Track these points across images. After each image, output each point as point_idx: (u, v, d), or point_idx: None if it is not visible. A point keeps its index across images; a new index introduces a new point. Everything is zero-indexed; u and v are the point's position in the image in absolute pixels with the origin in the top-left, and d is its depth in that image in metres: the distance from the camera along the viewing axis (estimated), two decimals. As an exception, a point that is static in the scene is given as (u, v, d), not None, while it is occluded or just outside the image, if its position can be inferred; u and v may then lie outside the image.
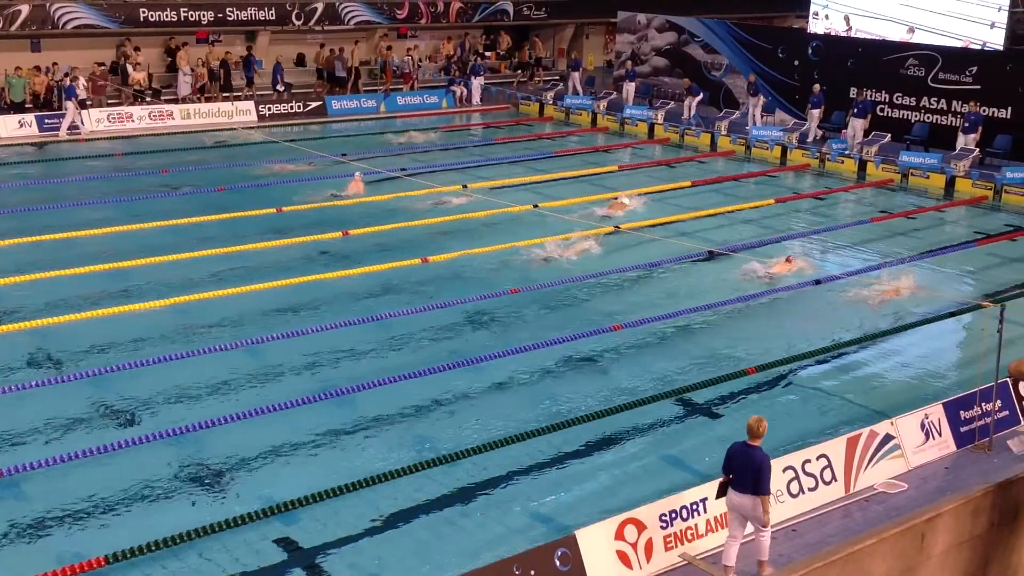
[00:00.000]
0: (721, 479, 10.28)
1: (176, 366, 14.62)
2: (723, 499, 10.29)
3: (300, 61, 38.37)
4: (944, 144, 29.35)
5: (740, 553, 10.06)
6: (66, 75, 31.50)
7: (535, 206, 23.51)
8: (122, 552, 10.06)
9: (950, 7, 31.85)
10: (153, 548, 10.20)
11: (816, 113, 31.79)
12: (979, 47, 31.08)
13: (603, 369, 15.37)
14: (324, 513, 11.13)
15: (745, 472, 9.96)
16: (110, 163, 27.75)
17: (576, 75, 38.49)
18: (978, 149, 28.42)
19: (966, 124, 28.82)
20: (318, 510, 11.15)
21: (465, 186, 25.22)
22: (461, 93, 38.16)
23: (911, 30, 33.00)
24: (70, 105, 30.53)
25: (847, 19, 34.76)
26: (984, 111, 29.15)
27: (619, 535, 10.01)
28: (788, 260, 19.99)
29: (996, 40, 30.99)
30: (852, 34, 34.34)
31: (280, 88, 36.02)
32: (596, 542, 9.84)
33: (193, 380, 14.28)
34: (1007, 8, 30.71)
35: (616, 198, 24.16)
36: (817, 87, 32.11)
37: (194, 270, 18.74)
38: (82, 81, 31.20)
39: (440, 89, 38.38)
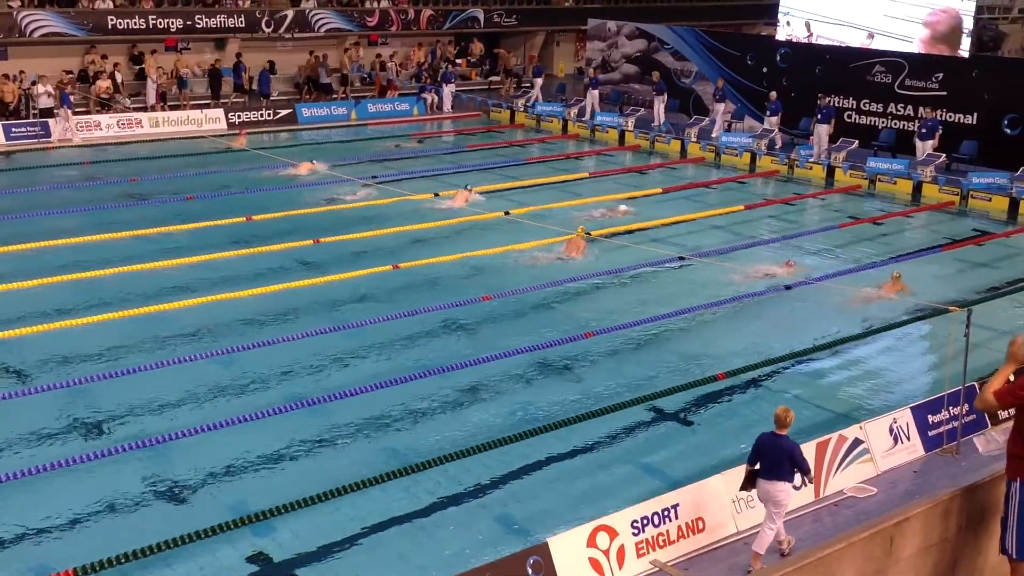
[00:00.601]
0: (747, 469, 10.60)
1: (146, 377, 14.52)
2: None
3: (271, 69, 38.21)
4: (911, 150, 29.58)
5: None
6: (61, 82, 31.74)
7: (506, 213, 23.54)
8: (91, 565, 9.97)
9: (910, 12, 32.19)
10: (123, 560, 10.12)
11: (774, 120, 32.07)
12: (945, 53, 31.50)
13: (575, 376, 15.40)
14: (296, 523, 11.08)
15: (777, 460, 10.34)
16: (78, 172, 27.55)
17: (538, 81, 38.66)
18: (944, 156, 28.71)
19: (923, 131, 29.07)
20: (290, 520, 11.10)
21: (437, 194, 25.22)
22: (432, 100, 38.16)
23: (871, 35, 33.33)
24: (63, 112, 30.64)
25: (808, 25, 35.11)
26: (940, 117, 29.53)
27: (591, 542, 10.03)
28: (788, 264, 20.25)
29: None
30: (813, 40, 34.66)
31: (270, 94, 36.12)
32: (568, 549, 9.85)
33: (163, 391, 14.18)
34: (972, 15, 31.10)
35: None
36: (774, 94, 32.42)
37: (163, 280, 18.64)
38: (49, 88, 31.03)
39: (411, 96, 38.38)
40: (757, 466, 10.50)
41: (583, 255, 20.78)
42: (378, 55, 39.90)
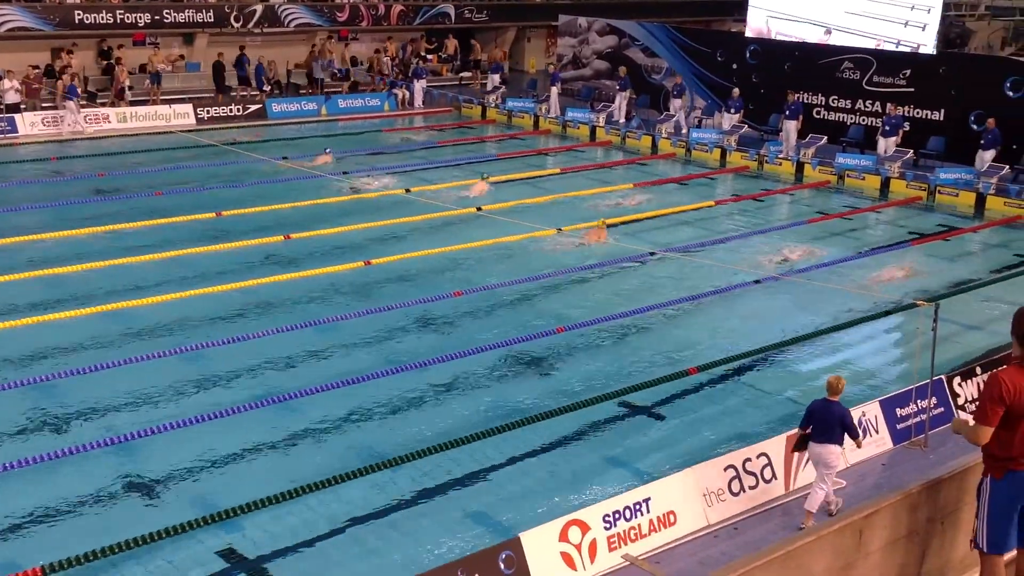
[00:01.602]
0: (799, 432, 11.38)
1: (115, 373, 14.38)
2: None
3: (226, 65, 37.98)
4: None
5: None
6: (68, 75, 31.72)
7: (478, 209, 23.53)
8: (59, 563, 9.87)
9: (866, 8, 32.45)
10: (92, 558, 10.01)
11: (736, 117, 32.24)
12: (911, 49, 31.71)
13: (547, 371, 15.43)
14: (268, 520, 11.04)
15: (827, 425, 11.12)
16: (45, 167, 27.29)
17: (495, 77, 38.68)
18: (912, 151, 28.94)
19: (886, 128, 29.31)
20: (262, 517, 11.04)
21: (408, 190, 25.15)
22: (403, 96, 38.07)
23: (828, 32, 33.58)
24: (71, 104, 30.64)
25: (767, 22, 35.36)
26: (908, 113, 29.81)
27: (563, 537, 10.05)
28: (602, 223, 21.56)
29: (912, 38, 31.60)
30: (772, 37, 34.90)
31: (266, 88, 36.04)
32: (540, 544, 9.87)
33: (132, 387, 14.09)
34: (938, 9, 31.30)
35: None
36: (736, 91, 32.61)
37: (131, 276, 18.48)
38: (16, 84, 30.75)
39: (382, 92, 38.26)
40: (809, 430, 11.21)
41: (603, 241, 22.05)
42: (380, 49, 40.09)
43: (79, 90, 31.65)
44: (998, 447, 7.53)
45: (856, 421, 12.65)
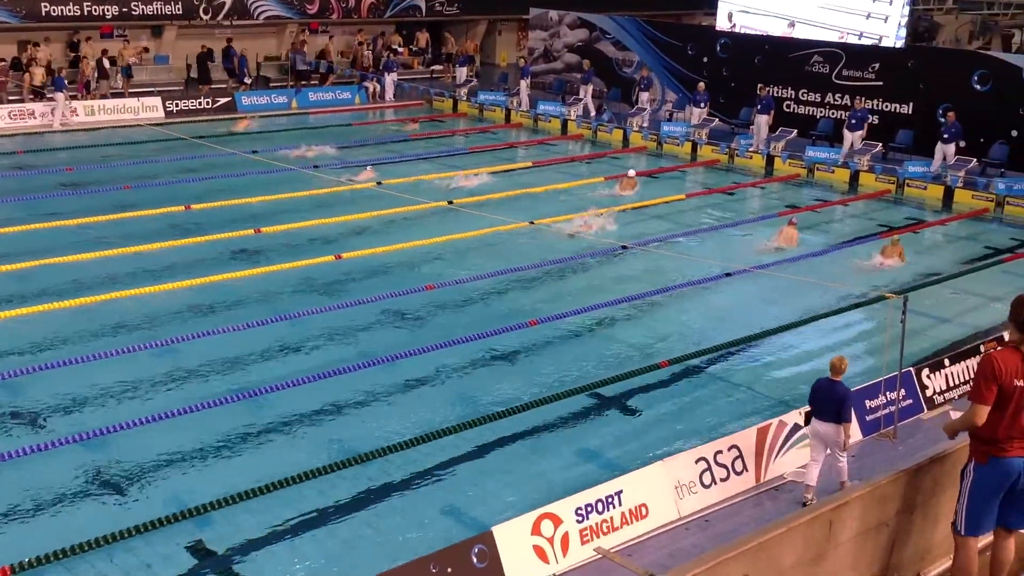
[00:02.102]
0: (806, 410, 11.91)
1: (83, 369, 14.27)
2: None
3: (208, 56, 37.70)
4: (849, 139, 30.03)
5: (821, 473, 11.63)
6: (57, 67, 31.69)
7: (449, 202, 23.49)
8: (28, 561, 9.80)
9: (829, 1, 32.70)
10: (61, 556, 9.96)
11: (704, 111, 32.38)
12: (873, 41, 31.98)
13: (519, 364, 15.43)
14: (239, 516, 10.98)
15: (828, 404, 11.52)
16: (12, 161, 26.99)
17: (463, 71, 38.65)
18: (880, 145, 29.14)
19: (852, 121, 29.50)
20: (232, 513, 10.99)
21: (379, 183, 25.07)
22: (374, 89, 37.92)
23: (792, 24, 33.78)
24: (60, 96, 30.48)
25: (730, 16, 35.54)
26: (876, 107, 30.06)
27: (536, 530, 10.06)
28: (791, 223, 21.98)
29: (875, 30, 31.85)
30: (736, 30, 35.09)
31: (247, 80, 35.87)
32: (513, 538, 9.88)
33: (101, 383, 13.97)
34: (900, 1, 31.59)
35: (626, 175, 26.16)
36: (702, 85, 32.75)
37: (100, 270, 18.34)
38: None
39: (353, 85, 38.09)
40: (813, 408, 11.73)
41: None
42: (362, 42, 40.10)
43: (66, 82, 31.43)
44: (984, 430, 7.61)
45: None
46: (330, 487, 11.61)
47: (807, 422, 11.95)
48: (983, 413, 7.51)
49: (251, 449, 12.61)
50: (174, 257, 19.29)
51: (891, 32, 31.53)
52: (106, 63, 33.61)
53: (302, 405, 13.60)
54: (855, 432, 13.01)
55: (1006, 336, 7.54)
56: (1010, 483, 7.66)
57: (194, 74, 36.44)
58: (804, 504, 11.29)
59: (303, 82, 37.69)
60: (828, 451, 11.64)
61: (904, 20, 31.98)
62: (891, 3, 31.62)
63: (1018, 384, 7.48)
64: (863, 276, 19.59)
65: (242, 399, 13.55)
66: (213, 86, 35.34)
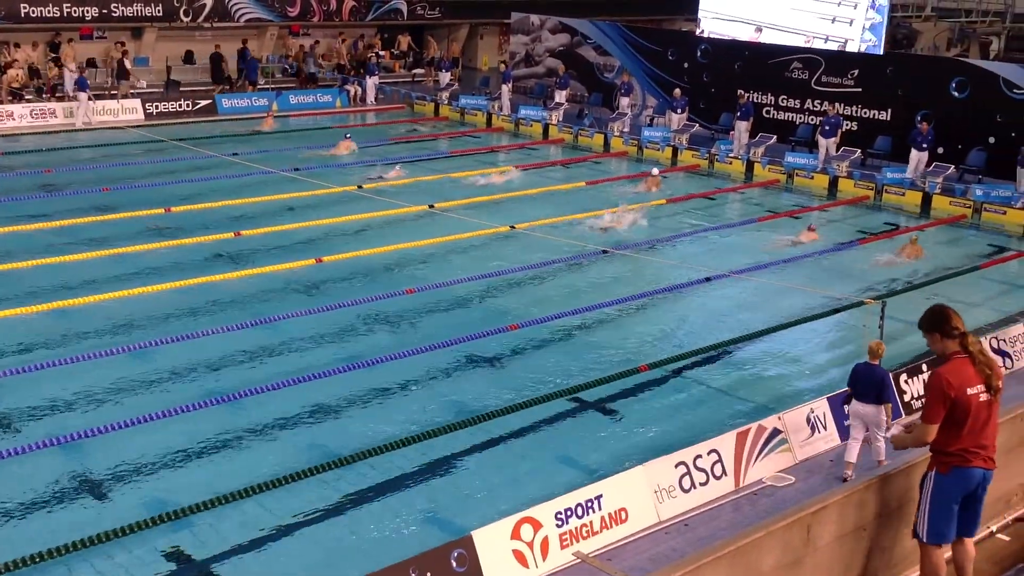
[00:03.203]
0: (847, 392, 12.44)
1: (61, 372, 14.18)
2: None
3: (188, 58, 37.61)
4: (828, 145, 30.19)
5: (860, 452, 12.25)
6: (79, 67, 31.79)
7: (431, 206, 23.48)
8: (3, 565, 9.73)
9: (796, 4, 32.94)
10: (37, 560, 9.89)
11: (683, 116, 32.51)
12: (840, 45, 32.26)
13: (499, 369, 15.43)
14: (218, 520, 10.93)
15: (869, 386, 12.11)
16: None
17: (445, 75, 38.70)
18: (859, 151, 29.29)
19: (826, 128, 29.56)
20: (211, 517, 10.94)
21: (360, 186, 25.03)
22: (355, 92, 37.88)
23: (759, 29, 33.98)
24: (83, 96, 30.70)
25: (699, 21, 35.75)
26: (855, 113, 30.25)
27: (515, 534, 10.05)
28: (811, 229, 22.51)
29: (840, 34, 32.11)
30: (704, 35, 35.29)
31: (260, 82, 36.23)
32: (492, 542, 9.86)
33: (80, 385, 13.89)
34: (864, 3, 31.88)
35: (650, 174, 27.13)
36: (678, 91, 32.89)
37: (78, 273, 18.23)
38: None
39: (334, 88, 38.04)
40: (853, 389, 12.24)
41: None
42: (371, 45, 40.39)
43: (89, 82, 31.60)
44: (945, 442, 7.70)
45: (805, 418, 12.87)
46: (309, 491, 11.57)
47: (847, 403, 12.45)
48: (932, 432, 7.74)
49: (231, 453, 12.55)
50: (153, 260, 19.20)
51: (856, 35, 31.79)
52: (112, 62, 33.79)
53: (282, 409, 13.55)
54: (833, 436, 13.11)
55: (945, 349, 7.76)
56: (968, 492, 7.78)
57: (175, 76, 36.34)
58: (844, 480, 11.92)
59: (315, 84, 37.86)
60: (867, 430, 12.22)
61: (868, 24, 32.21)
62: (855, 7, 31.87)
63: (971, 392, 7.58)
64: (842, 282, 19.67)
65: (222, 402, 13.49)
66: (193, 88, 35.23)
